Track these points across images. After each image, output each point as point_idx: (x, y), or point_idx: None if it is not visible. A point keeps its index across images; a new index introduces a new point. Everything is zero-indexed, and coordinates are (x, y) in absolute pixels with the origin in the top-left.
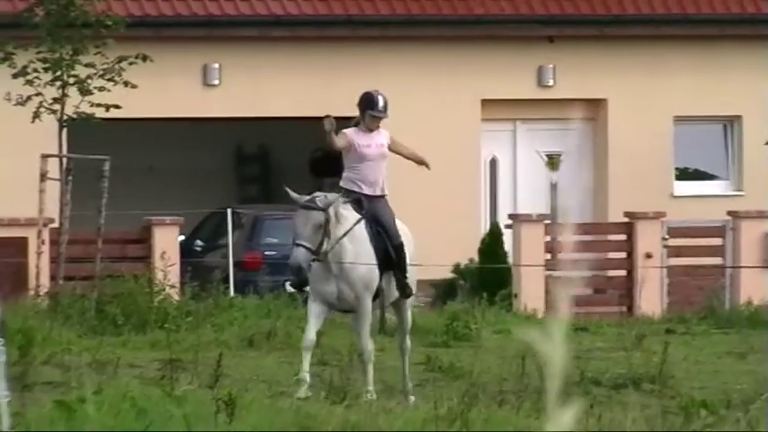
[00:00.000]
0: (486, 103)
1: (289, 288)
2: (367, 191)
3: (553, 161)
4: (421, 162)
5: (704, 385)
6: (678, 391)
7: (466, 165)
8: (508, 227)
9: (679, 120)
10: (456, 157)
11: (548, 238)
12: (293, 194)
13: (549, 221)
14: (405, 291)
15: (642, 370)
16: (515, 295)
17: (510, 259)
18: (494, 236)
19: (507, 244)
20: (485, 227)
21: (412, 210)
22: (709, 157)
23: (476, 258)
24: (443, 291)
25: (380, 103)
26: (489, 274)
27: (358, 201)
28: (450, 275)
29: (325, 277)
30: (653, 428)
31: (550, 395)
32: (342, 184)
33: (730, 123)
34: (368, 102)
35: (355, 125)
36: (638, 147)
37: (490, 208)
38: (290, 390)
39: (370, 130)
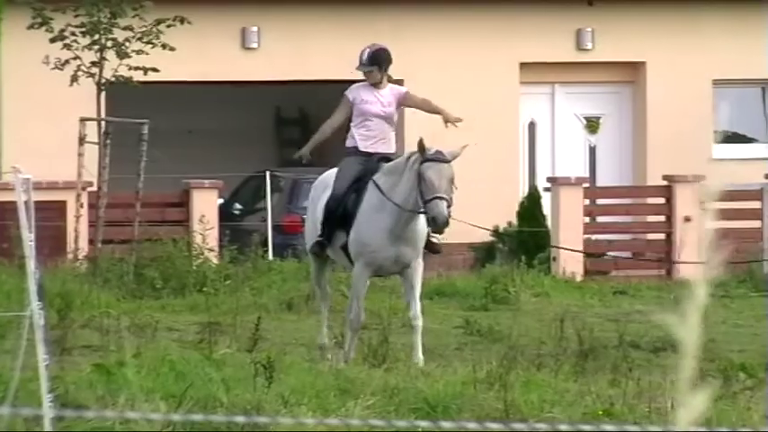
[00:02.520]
0: (524, 66)
1: (311, 249)
2: (376, 150)
3: (592, 124)
4: (447, 119)
5: (743, 348)
6: (717, 355)
7: (504, 128)
8: (547, 190)
9: (718, 83)
10: (494, 121)
11: (586, 202)
12: (420, 146)
13: (587, 185)
14: (434, 247)
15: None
16: (554, 258)
17: (549, 222)
18: (532, 199)
19: (546, 207)
20: (523, 190)
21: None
22: (749, 121)
23: (514, 221)
24: (483, 254)
25: (364, 57)
26: (528, 236)
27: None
28: (489, 238)
29: (390, 240)
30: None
31: (683, 379)
32: (353, 141)
33: None
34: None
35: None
36: (676, 110)
37: (529, 171)
38: (329, 354)
39: (375, 86)
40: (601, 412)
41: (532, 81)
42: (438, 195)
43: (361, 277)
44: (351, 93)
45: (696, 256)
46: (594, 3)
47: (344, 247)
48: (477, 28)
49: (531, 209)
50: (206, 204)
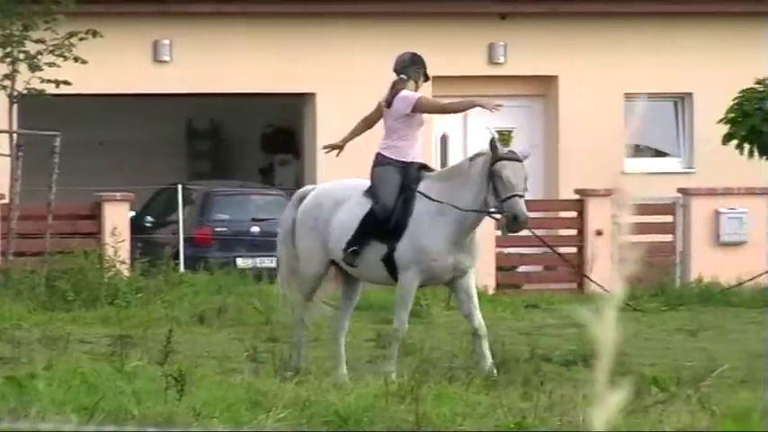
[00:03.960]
0: (437, 79)
1: (346, 259)
2: (403, 158)
3: (504, 138)
4: (470, 106)
5: (655, 362)
6: (629, 368)
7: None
8: None
9: (630, 96)
10: None
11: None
12: (493, 145)
13: None
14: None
15: (593, 347)
16: None
17: None
18: None
19: None
20: None
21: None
22: (661, 135)
23: None
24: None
25: (395, 63)
26: None
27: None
28: None
29: (450, 247)
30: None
31: (599, 380)
32: (390, 151)
33: (681, 100)
34: (425, 63)
35: (397, 87)
36: (588, 124)
37: None
38: (240, 367)
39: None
40: (512, 425)
41: (445, 95)
42: (517, 193)
43: (413, 286)
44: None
45: (608, 269)
46: (507, 17)
47: (385, 259)
48: (390, 41)
49: None
50: (118, 217)
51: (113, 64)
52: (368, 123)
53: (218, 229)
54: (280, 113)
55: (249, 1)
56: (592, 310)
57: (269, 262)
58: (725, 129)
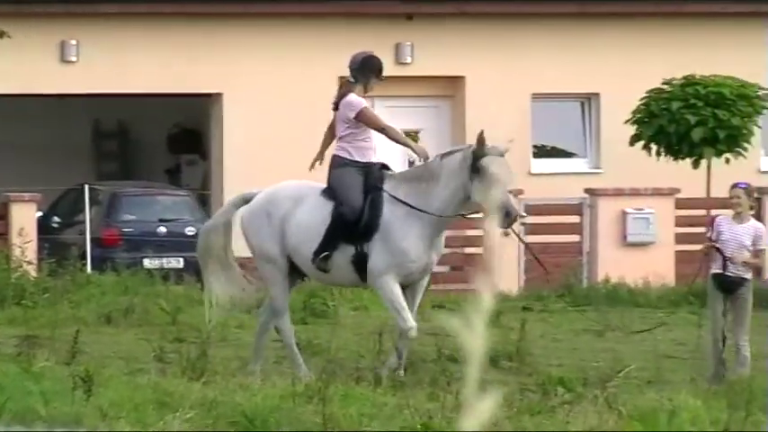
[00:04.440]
0: (343, 79)
1: (319, 265)
2: (374, 160)
3: (411, 138)
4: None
5: (562, 363)
6: (536, 369)
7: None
8: None
9: (537, 97)
10: (314, 134)
11: None
12: (480, 140)
13: None
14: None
15: (499, 347)
16: None
17: None
18: None
19: None
20: None
21: (270, 184)
22: (568, 135)
23: None
24: None
25: (349, 61)
26: None
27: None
28: None
29: (426, 248)
30: (511, 405)
31: (470, 384)
32: (349, 152)
33: (588, 101)
34: (376, 67)
35: (344, 89)
36: (495, 124)
37: None
38: (147, 367)
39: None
40: (419, 426)
41: None
42: (506, 190)
43: (395, 288)
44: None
45: (514, 270)
46: (413, 17)
47: (354, 261)
48: (296, 42)
49: None
50: (25, 217)
51: (20, 64)
52: (333, 130)
53: (125, 230)
54: (186, 114)
55: (156, 1)
56: (460, 316)
57: (176, 262)
58: (632, 129)
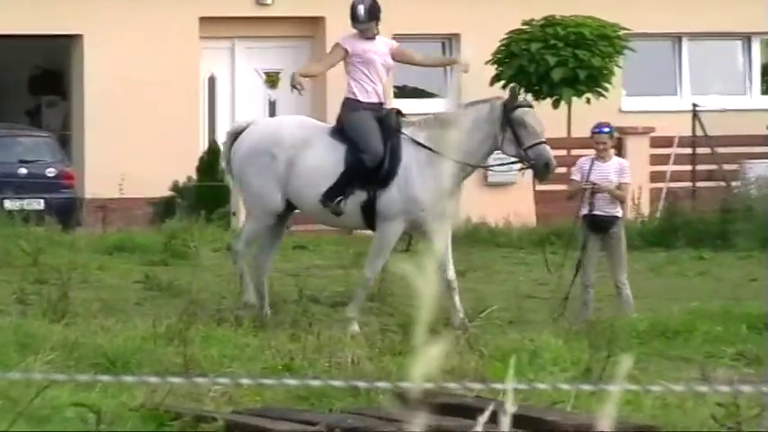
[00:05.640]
0: (204, 20)
1: (334, 209)
2: (381, 100)
3: (271, 79)
4: (449, 63)
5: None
6: (397, 309)
7: (185, 83)
8: None
9: (398, 37)
10: (175, 75)
11: None
12: (514, 92)
13: None
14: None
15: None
16: (233, 213)
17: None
18: (212, 154)
19: None
20: (204, 145)
21: (130, 128)
22: (429, 76)
23: (194, 176)
24: (162, 209)
25: (360, 13)
26: (207, 191)
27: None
28: (168, 193)
29: (442, 197)
30: (372, 346)
31: (419, 330)
32: (355, 96)
33: (449, 41)
34: (351, 14)
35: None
36: None
37: (209, 126)
38: (8, 309)
39: (368, 39)
40: (281, 367)
41: (212, 36)
42: (543, 140)
43: (396, 236)
44: (346, 43)
45: None
46: None
47: (364, 206)
48: None
49: (210, 163)
50: None
51: None
52: (327, 66)
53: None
54: (47, 55)
55: None
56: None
57: (36, 204)
58: (493, 69)
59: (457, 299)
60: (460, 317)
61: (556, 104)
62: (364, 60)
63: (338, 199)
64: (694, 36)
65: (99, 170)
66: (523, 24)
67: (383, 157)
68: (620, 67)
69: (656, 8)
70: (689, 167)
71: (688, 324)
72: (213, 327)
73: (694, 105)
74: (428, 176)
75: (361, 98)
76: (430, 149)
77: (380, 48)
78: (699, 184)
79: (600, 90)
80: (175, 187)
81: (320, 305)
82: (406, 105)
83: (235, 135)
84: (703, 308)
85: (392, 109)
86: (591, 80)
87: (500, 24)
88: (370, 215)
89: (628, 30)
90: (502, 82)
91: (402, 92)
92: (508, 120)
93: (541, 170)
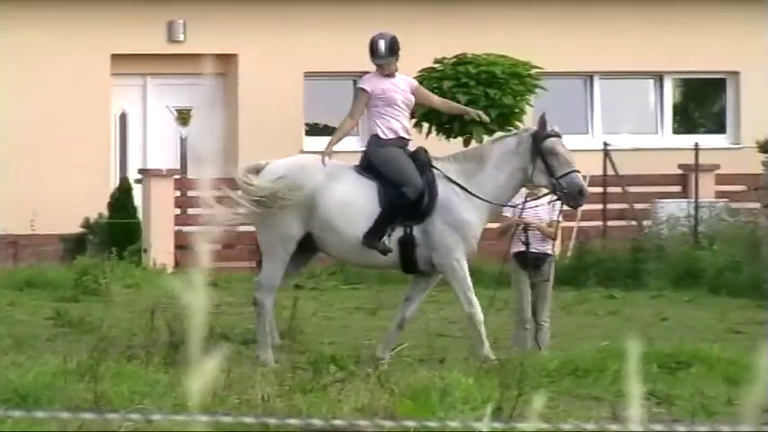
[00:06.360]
0: (116, 57)
1: (382, 248)
2: (407, 136)
3: (183, 116)
4: (465, 113)
5: (334, 341)
6: (308, 347)
7: (96, 119)
8: (138, 182)
9: (310, 75)
10: (86, 112)
11: (177, 194)
12: (543, 122)
13: (178, 176)
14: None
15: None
16: (145, 250)
17: (140, 214)
18: (123, 190)
19: (137, 199)
20: (115, 182)
21: (41, 164)
22: (340, 113)
23: (105, 213)
24: (73, 245)
25: (381, 48)
26: (119, 228)
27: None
28: (80, 230)
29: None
30: (282, 383)
31: (192, 346)
32: (381, 133)
33: (360, 79)
34: (370, 49)
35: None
36: (268, 102)
37: (120, 163)
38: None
39: (388, 76)
40: (191, 403)
41: (124, 72)
42: (575, 168)
43: (465, 266)
44: (365, 84)
45: None
46: None
47: (402, 242)
48: (69, 18)
49: (122, 200)
50: None
51: None
52: (358, 116)
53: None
54: None
55: None
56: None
57: None
58: None
59: (394, 336)
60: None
61: (467, 143)
62: (386, 99)
63: (383, 238)
64: (606, 75)
65: (10, 206)
66: (435, 62)
67: (422, 190)
68: (531, 105)
69: (567, 46)
70: (600, 206)
71: (599, 363)
72: (124, 363)
73: (605, 144)
74: (468, 206)
75: (387, 135)
76: (462, 187)
77: (400, 85)
78: (610, 223)
79: (511, 128)
80: (86, 224)
81: (231, 342)
82: (317, 143)
83: (254, 171)
84: (614, 347)
85: (419, 147)
86: (502, 119)
87: (413, 62)
88: (406, 253)
89: (539, 68)
90: (413, 120)
91: (313, 129)
92: (538, 150)
93: (576, 197)
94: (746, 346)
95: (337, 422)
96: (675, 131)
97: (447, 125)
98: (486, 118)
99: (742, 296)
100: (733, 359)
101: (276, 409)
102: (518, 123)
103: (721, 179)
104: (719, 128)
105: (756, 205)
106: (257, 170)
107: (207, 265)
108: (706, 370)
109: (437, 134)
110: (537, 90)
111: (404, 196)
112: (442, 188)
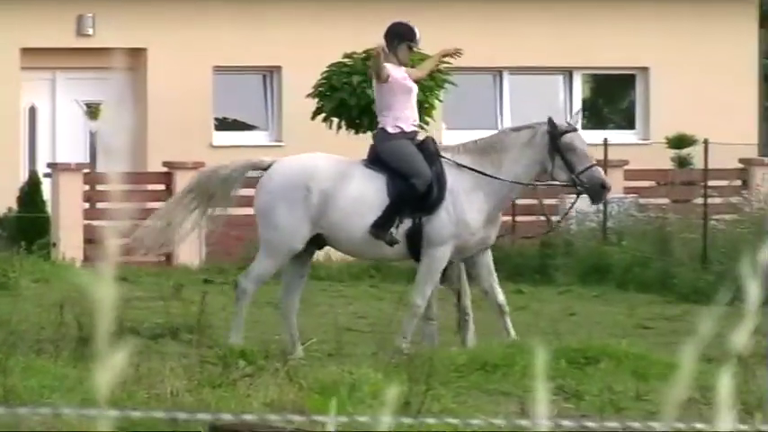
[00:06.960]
0: (25, 51)
1: (389, 239)
2: (416, 128)
3: (93, 110)
4: (439, 61)
5: (243, 335)
6: (217, 342)
7: (5, 113)
8: (47, 176)
9: (219, 69)
10: None
11: (86, 188)
12: (552, 120)
13: (88, 171)
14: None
15: (180, 320)
16: (54, 244)
17: (49, 208)
18: (32, 184)
19: (46, 193)
20: (24, 176)
21: None
22: (249, 108)
23: (14, 207)
24: None
25: (417, 32)
26: (28, 222)
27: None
28: None
29: (486, 221)
30: (191, 378)
31: (101, 341)
32: (397, 123)
33: (270, 74)
34: (407, 33)
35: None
36: (177, 97)
37: (29, 157)
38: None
39: (402, 64)
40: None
41: (33, 66)
42: (594, 163)
43: (444, 261)
44: (388, 69)
45: (195, 242)
46: None
47: (410, 234)
48: None
49: (31, 195)
50: None
51: None
52: (384, 70)
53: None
54: None
55: None
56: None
57: None
58: (314, 103)
59: (508, 321)
60: (512, 336)
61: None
62: (403, 88)
63: (390, 229)
64: (515, 70)
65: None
66: (345, 57)
67: (431, 182)
68: (440, 101)
69: (477, 41)
70: None
71: (507, 358)
72: (33, 357)
73: None
74: (475, 200)
75: (400, 125)
76: (476, 171)
77: (405, 73)
78: (518, 218)
79: (421, 124)
80: None
81: (140, 337)
82: (226, 138)
83: (252, 168)
84: (522, 342)
85: (427, 136)
86: None
87: (322, 57)
88: (415, 244)
89: (448, 63)
90: (323, 115)
91: (222, 124)
92: (556, 147)
93: (597, 192)
94: (655, 341)
95: (246, 417)
96: (584, 127)
97: (357, 120)
98: (461, 53)
99: (650, 292)
100: (641, 354)
101: (185, 404)
102: (428, 119)
103: (630, 175)
104: (629, 124)
105: (665, 201)
106: (258, 167)
107: (116, 260)
108: (614, 365)
109: (346, 129)
110: (446, 85)
111: (413, 188)
112: (451, 179)
